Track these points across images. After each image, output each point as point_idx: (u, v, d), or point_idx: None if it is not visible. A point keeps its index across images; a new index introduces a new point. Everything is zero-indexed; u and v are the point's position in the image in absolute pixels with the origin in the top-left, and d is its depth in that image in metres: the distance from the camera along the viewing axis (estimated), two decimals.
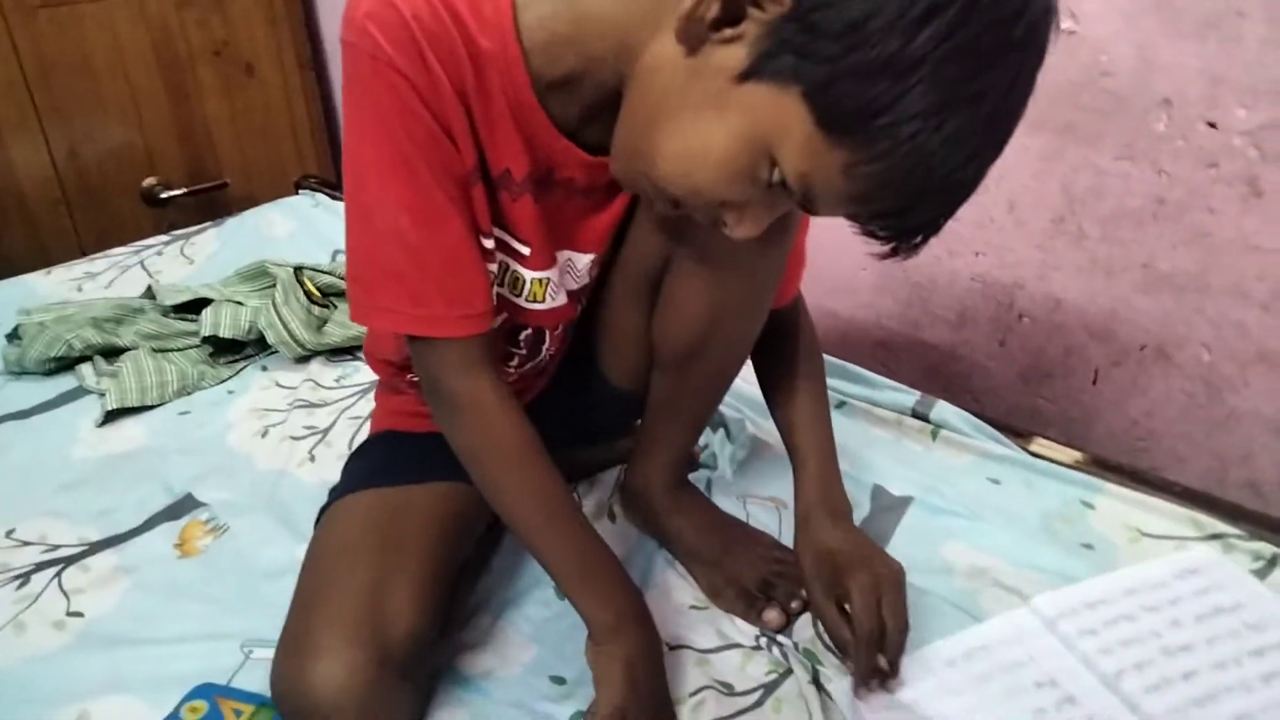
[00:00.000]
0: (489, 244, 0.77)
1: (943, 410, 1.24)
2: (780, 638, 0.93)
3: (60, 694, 0.87)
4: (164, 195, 2.08)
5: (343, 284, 1.52)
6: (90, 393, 1.34)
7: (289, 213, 1.89)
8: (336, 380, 1.40)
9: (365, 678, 0.75)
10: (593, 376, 1.01)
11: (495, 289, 0.82)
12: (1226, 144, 1.15)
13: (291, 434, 1.27)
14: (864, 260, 1.55)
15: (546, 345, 0.92)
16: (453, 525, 0.90)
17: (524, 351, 0.91)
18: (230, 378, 1.41)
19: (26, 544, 1.06)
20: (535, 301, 0.85)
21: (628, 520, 1.10)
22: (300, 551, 0.90)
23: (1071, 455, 1.20)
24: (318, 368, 1.43)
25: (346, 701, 0.74)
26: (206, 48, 2.10)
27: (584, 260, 0.86)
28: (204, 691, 0.86)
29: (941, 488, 1.13)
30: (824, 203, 0.64)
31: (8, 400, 1.33)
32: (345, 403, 1.34)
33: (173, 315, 1.50)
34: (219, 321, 1.43)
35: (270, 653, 0.80)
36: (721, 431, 1.24)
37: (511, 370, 0.93)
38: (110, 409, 1.28)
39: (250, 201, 2.00)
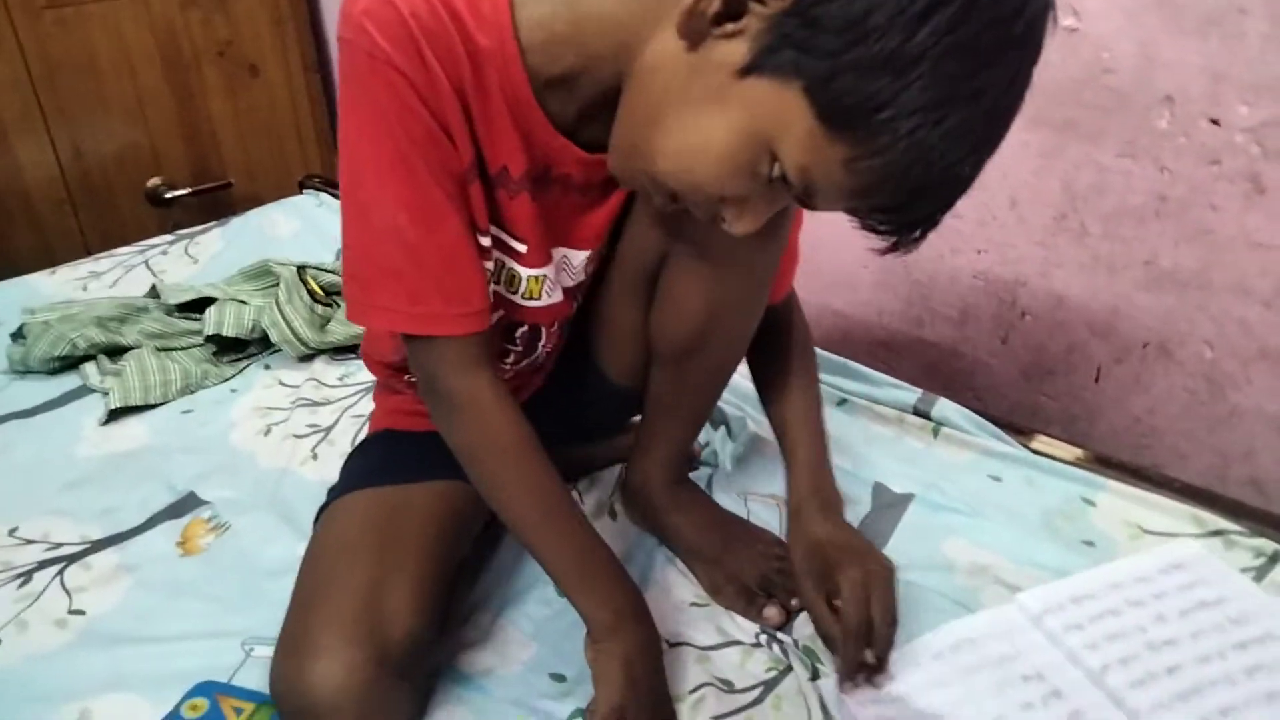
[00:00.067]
0: (486, 242, 0.77)
1: (944, 408, 1.24)
2: (780, 635, 0.94)
3: (62, 692, 0.88)
4: (169, 195, 2.08)
5: None
6: (94, 392, 1.35)
7: (293, 212, 1.90)
8: (339, 379, 1.40)
9: (364, 677, 0.75)
10: (590, 373, 1.02)
11: (492, 286, 0.82)
12: (1229, 141, 1.14)
13: (294, 432, 1.27)
14: (865, 258, 1.56)
15: (542, 342, 0.92)
16: (451, 524, 0.91)
17: (520, 349, 0.91)
18: (233, 376, 1.41)
19: (29, 542, 1.07)
20: (532, 299, 0.85)
21: (628, 518, 1.10)
22: (302, 550, 0.90)
23: (1072, 452, 1.19)
24: (320, 366, 1.43)
25: (345, 701, 0.74)
26: (211, 48, 2.11)
27: (580, 257, 0.86)
28: (205, 689, 0.86)
29: (942, 485, 1.13)
30: (824, 197, 0.64)
31: (12, 399, 1.33)
32: (348, 401, 1.34)
33: (176, 314, 1.51)
34: (222, 320, 1.43)
35: (271, 651, 0.80)
36: (722, 429, 1.24)
37: (508, 367, 0.93)
38: (114, 408, 1.29)
39: (254, 201, 2.00)
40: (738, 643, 0.93)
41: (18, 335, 1.43)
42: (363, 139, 0.70)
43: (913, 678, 0.86)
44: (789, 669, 0.89)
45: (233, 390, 1.38)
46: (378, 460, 0.98)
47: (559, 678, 0.89)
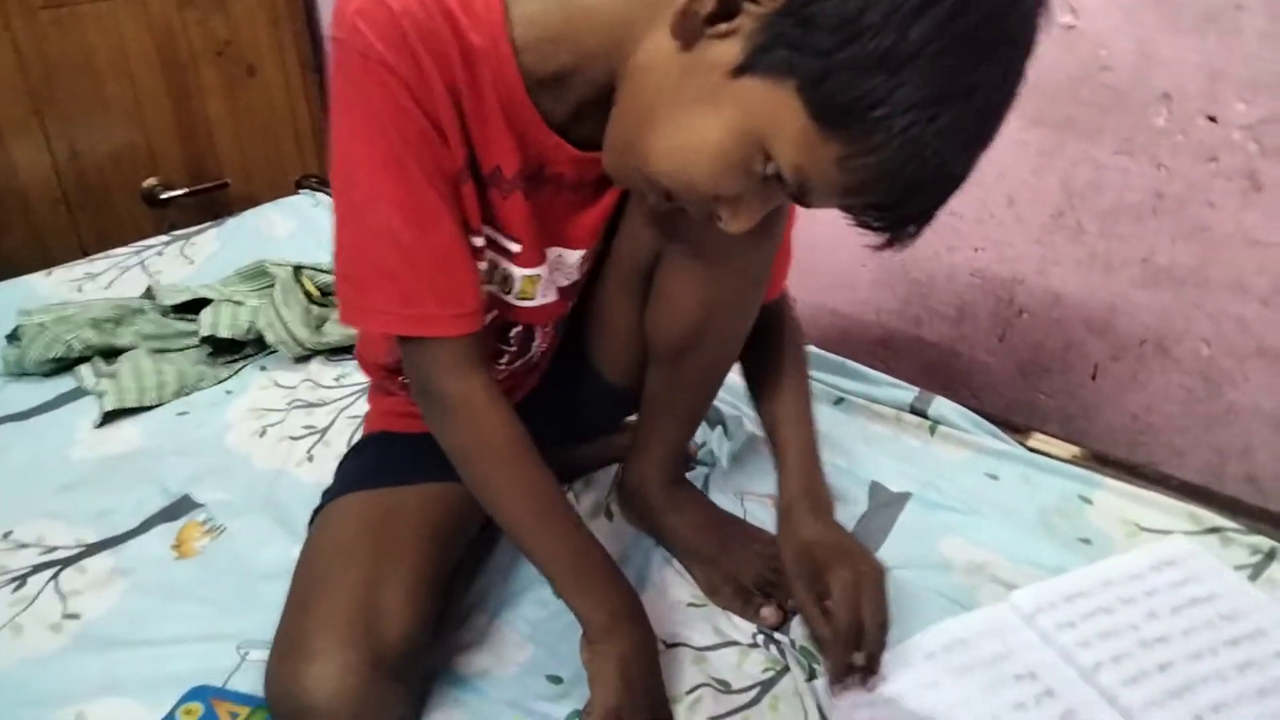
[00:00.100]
0: (479, 242, 0.77)
1: (940, 406, 1.24)
2: (777, 635, 0.94)
3: (57, 696, 0.87)
4: (165, 195, 2.08)
5: None
6: (89, 394, 1.34)
7: (289, 212, 1.89)
8: (335, 380, 1.40)
9: (359, 680, 0.75)
10: (585, 372, 1.01)
11: (485, 287, 0.82)
12: (1226, 138, 1.14)
13: (290, 434, 1.27)
14: (863, 256, 1.56)
15: (537, 342, 0.92)
16: (446, 526, 0.91)
17: (514, 349, 0.91)
18: (229, 378, 1.41)
19: (24, 546, 1.06)
20: (525, 299, 0.85)
21: (625, 518, 1.10)
22: (298, 552, 0.90)
23: (1069, 450, 1.19)
24: (316, 367, 1.43)
25: (340, 704, 0.74)
26: (208, 48, 2.10)
27: (574, 256, 0.86)
28: (200, 693, 0.86)
29: (939, 483, 1.13)
30: (818, 195, 0.64)
31: (6, 401, 1.33)
32: (344, 402, 1.34)
33: (172, 315, 1.50)
34: (218, 321, 1.43)
35: (267, 654, 0.80)
36: (719, 428, 1.24)
37: (502, 368, 0.93)
38: (108, 410, 1.28)
39: (251, 201, 2.00)
40: (735, 643, 0.93)
41: (13, 337, 1.43)
42: (356, 139, 0.69)
43: (905, 679, 0.85)
44: (786, 669, 0.89)
45: (228, 392, 1.38)
46: (372, 462, 0.97)
47: (555, 679, 0.89)
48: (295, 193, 2.02)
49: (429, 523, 0.89)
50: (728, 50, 0.61)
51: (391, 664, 0.78)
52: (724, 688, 0.88)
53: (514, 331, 0.89)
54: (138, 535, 1.08)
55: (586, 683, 0.82)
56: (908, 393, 1.27)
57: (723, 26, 0.61)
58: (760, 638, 0.93)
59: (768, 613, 0.94)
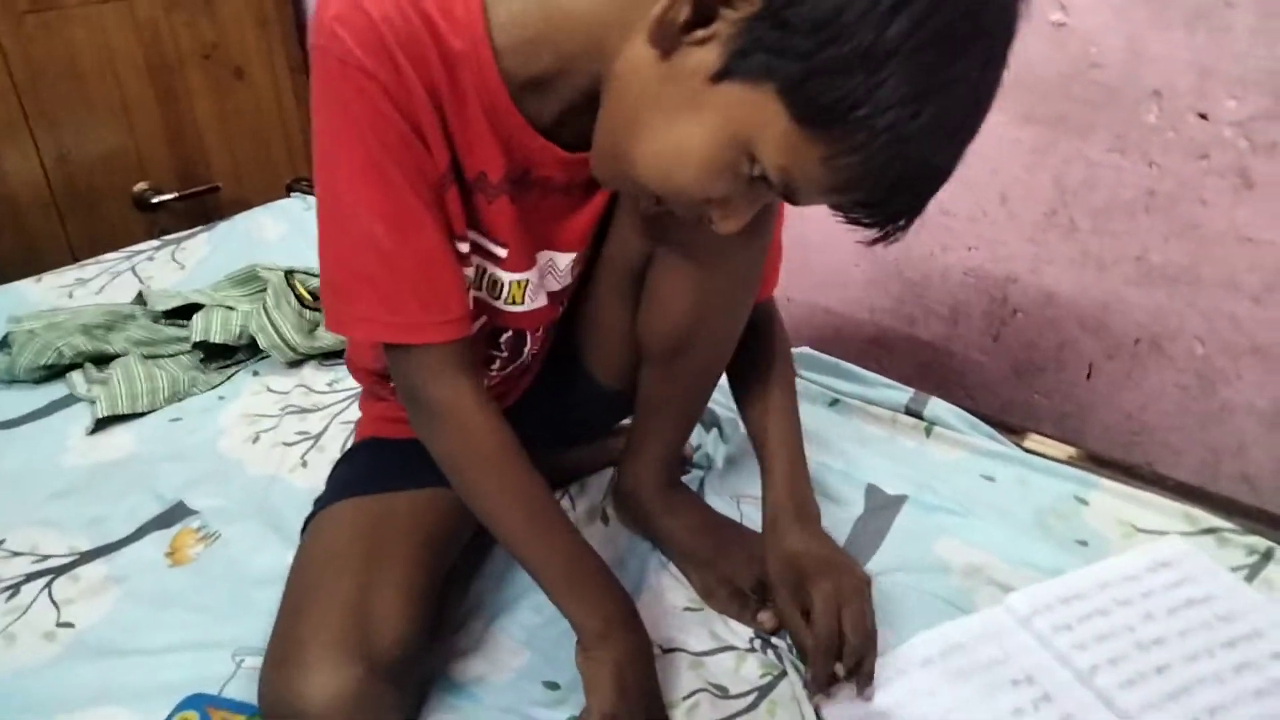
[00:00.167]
0: (464, 248, 0.76)
1: (936, 407, 1.24)
2: (774, 640, 0.93)
3: (50, 705, 0.87)
4: (155, 200, 2.07)
5: None
6: (81, 400, 1.33)
7: (280, 216, 1.89)
8: (328, 385, 1.39)
9: (353, 686, 0.74)
10: (578, 375, 1.01)
11: (473, 292, 0.82)
12: (1217, 135, 1.14)
13: (283, 440, 1.26)
14: (856, 255, 1.56)
15: (528, 347, 0.91)
16: (439, 531, 0.90)
17: (505, 354, 0.91)
18: (221, 383, 1.41)
19: (17, 554, 1.05)
20: (514, 304, 0.84)
21: (620, 522, 1.10)
22: (292, 559, 0.89)
23: (1065, 451, 1.19)
24: (309, 372, 1.43)
25: (334, 711, 0.74)
26: (196, 51, 2.09)
27: (565, 260, 0.86)
28: (195, 702, 0.86)
29: (935, 485, 1.13)
30: (805, 194, 0.64)
31: None
32: (337, 407, 1.33)
33: (163, 321, 1.50)
34: (210, 327, 1.42)
35: (262, 662, 0.80)
36: (714, 431, 1.24)
37: (494, 373, 0.93)
38: (101, 416, 1.28)
39: (241, 205, 1.99)
40: (732, 648, 0.93)
41: (3, 344, 1.42)
42: (336, 146, 0.69)
43: (901, 687, 0.85)
44: (783, 674, 0.89)
45: (221, 397, 1.37)
46: (364, 469, 0.97)
47: (552, 685, 0.88)
48: (286, 196, 2.01)
49: (422, 528, 0.89)
50: (706, 56, 0.61)
51: (386, 670, 0.77)
52: (721, 693, 0.88)
53: (504, 337, 0.89)
54: (131, 543, 1.08)
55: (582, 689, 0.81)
56: (903, 394, 1.27)
57: (700, 33, 0.61)
58: (757, 642, 0.93)
59: (765, 617, 0.94)
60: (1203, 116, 1.15)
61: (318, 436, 1.26)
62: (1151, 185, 1.22)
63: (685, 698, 0.87)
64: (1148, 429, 1.35)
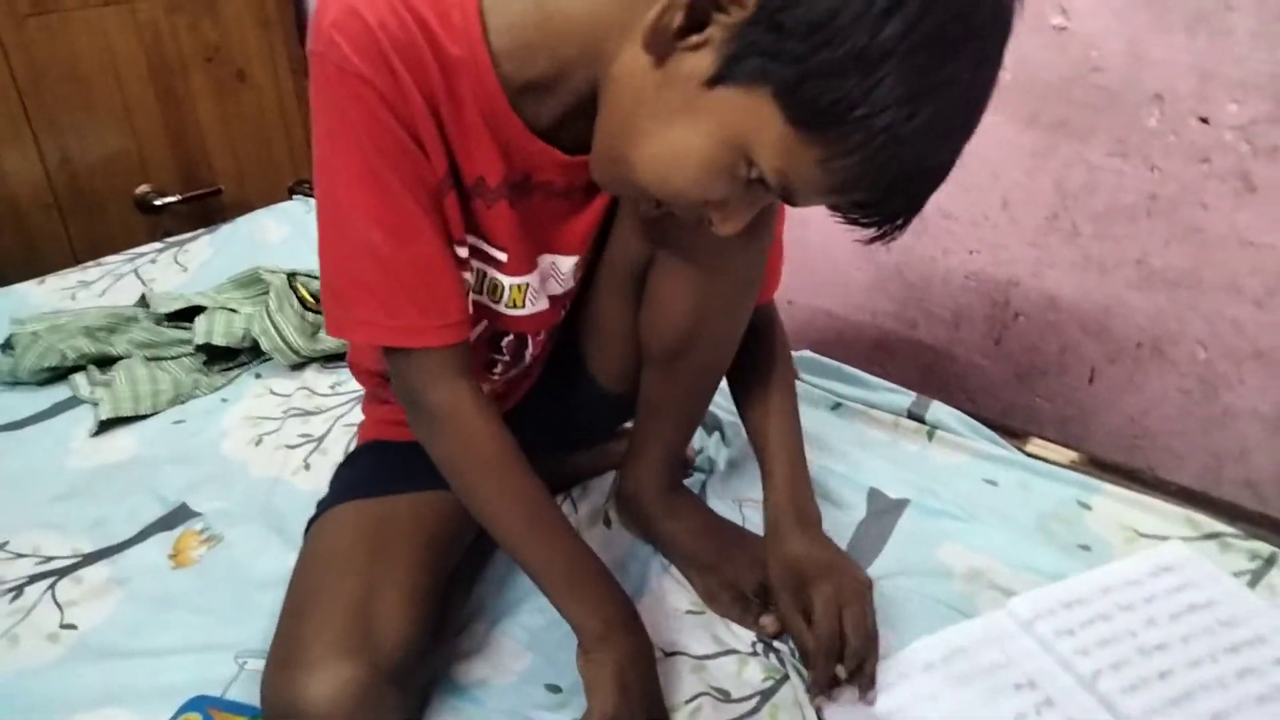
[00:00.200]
0: (463, 252, 0.77)
1: (938, 411, 1.24)
2: (777, 643, 0.93)
3: (53, 707, 0.87)
4: (157, 202, 2.07)
5: None
6: (84, 402, 1.34)
7: (283, 218, 1.89)
8: (331, 387, 1.40)
9: (355, 688, 0.74)
10: (579, 378, 1.01)
11: (474, 296, 0.82)
12: (1218, 139, 1.14)
13: (286, 442, 1.26)
14: (859, 260, 1.56)
15: (530, 351, 0.91)
16: (441, 533, 0.90)
17: (507, 358, 0.91)
18: (224, 386, 1.41)
19: (20, 556, 1.06)
20: (515, 308, 0.85)
21: (623, 525, 1.10)
22: (295, 561, 0.89)
23: (1067, 455, 1.19)
24: (312, 375, 1.43)
25: (336, 712, 0.74)
26: (198, 53, 2.09)
27: (568, 263, 0.86)
28: (198, 703, 0.86)
29: (938, 489, 1.13)
30: (803, 195, 0.65)
31: (1, 411, 1.32)
32: (340, 410, 1.33)
33: (166, 323, 1.50)
34: (212, 329, 1.43)
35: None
36: (716, 434, 1.24)
37: (496, 377, 0.93)
38: (104, 419, 1.28)
39: (244, 207, 1.99)
40: (734, 651, 0.93)
41: (6, 346, 1.42)
42: (335, 152, 0.69)
43: (904, 691, 0.85)
44: (785, 678, 0.89)
45: (223, 400, 1.37)
46: (366, 471, 0.97)
47: (554, 688, 0.88)
48: (288, 198, 2.02)
49: (424, 530, 0.89)
50: (701, 61, 0.61)
51: (388, 672, 0.77)
52: (723, 697, 0.88)
53: (506, 341, 0.89)
54: (134, 544, 1.08)
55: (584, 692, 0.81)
56: (905, 398, 1.27)
57: (694, 39, 0.61)
58: (759, 646, 0.93)
59: (767, 621, 0.94)
60: (1204, 120, 1.15)
61: (320, 439, 1.27)
62: (1153, 189, 1.22)
63: (687, 701, 0.87)
64: (1150, 433, 1.35)
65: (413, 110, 0.68)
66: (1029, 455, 1.19)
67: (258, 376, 1.43)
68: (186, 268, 1.73)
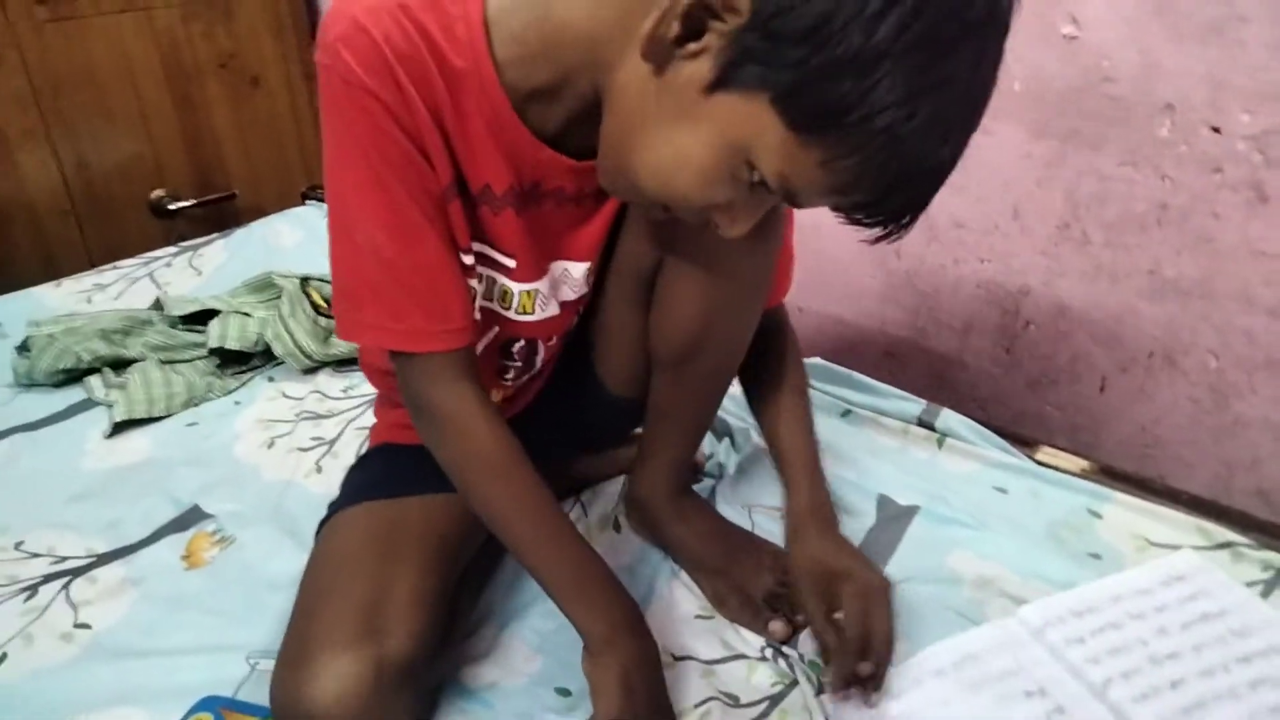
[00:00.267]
0: (468, 259, 0.78)
1: (948, 419, 1.24)
2: (786, 649, 0.93)
3: (67, 706, 0.88)
4: (172, 207, 2.09)
5: None
6: (98, 404, 1.35)
7: (296, 223, 1.91)
8: (343, 391, 1.40)
9: (363, 689, 0.75)
10: (589, 382, 1.02)
11: (484, 303, 0.83)
12: (1231, 149, 1.14)
13: (298, 445, 1.27)
14: (870, 268, 1.56)
15: (541, 356, 0.92)
16: (451, 536, 0.91)
17: (519, 364, 0.92)
18: (237, 389, 1.42)
19: (35, 556, 1.07)
20: (525, 313, 0.85)
21: (632, 529, 1.10)
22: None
23: (1078, 464, 1.19)
24: (324, 379, 1.43)
25: (343, 712, 0.74)
26: (213, 60, 2.11)
27: (580, 269, 0.87)
28: (209, 704, 0.86)
29: (948, 497, 1.13)
30: (806, 197, 0.65)
31: (17, 412, 1.34)
32: (352, 414, 1.34)
33: (180, 327, 1.51)
34: (226, 333, 1.44)
35: None
36: (726, 440, 1.24)
37: (508, 383, 0.94)
38: (118, 420, 1.29)
39: (258, 212, 2.01)
40: (743, 656, 0.93)
41: (23, 348, 1.43)
42: (342, 162, 0.71)
43: (915, 697, 0.85)
44: (794, 683, 0.89)
45: (236, 403, 1.38)
46: (377, 474, 0.98)
47: (564, 692, 0.89)
48: (302, 203, 2.03)
49: (434, 533, 0.89)
50: (699, 69, 0.62)
51: (396, 673, 0.77)
52: (733, 701, 0.88)
53: (517, 347, 0.90)
54: (148, 545, 1.08)
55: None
56: (915, 405, 1.27)
57: (691, 46, 0.62)
58: (769, 651, 0.93)
59: (776, 627, 0.94)
60: (1216, 130, 1.15)
61: (332, 442, 1.27)
62: (1164, 199, 1.22)
63: (696, 706, 0.87)
64: (1161, 442, 1.34)
65: (417, 121, 0.69)
66: (1039, 463, 1.19)
67: (270, 380, 1.44)
68: (201, 272, 1.74)
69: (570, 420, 1.03)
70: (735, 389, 1.05)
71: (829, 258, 1.60)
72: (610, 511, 1.13)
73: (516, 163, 0.76)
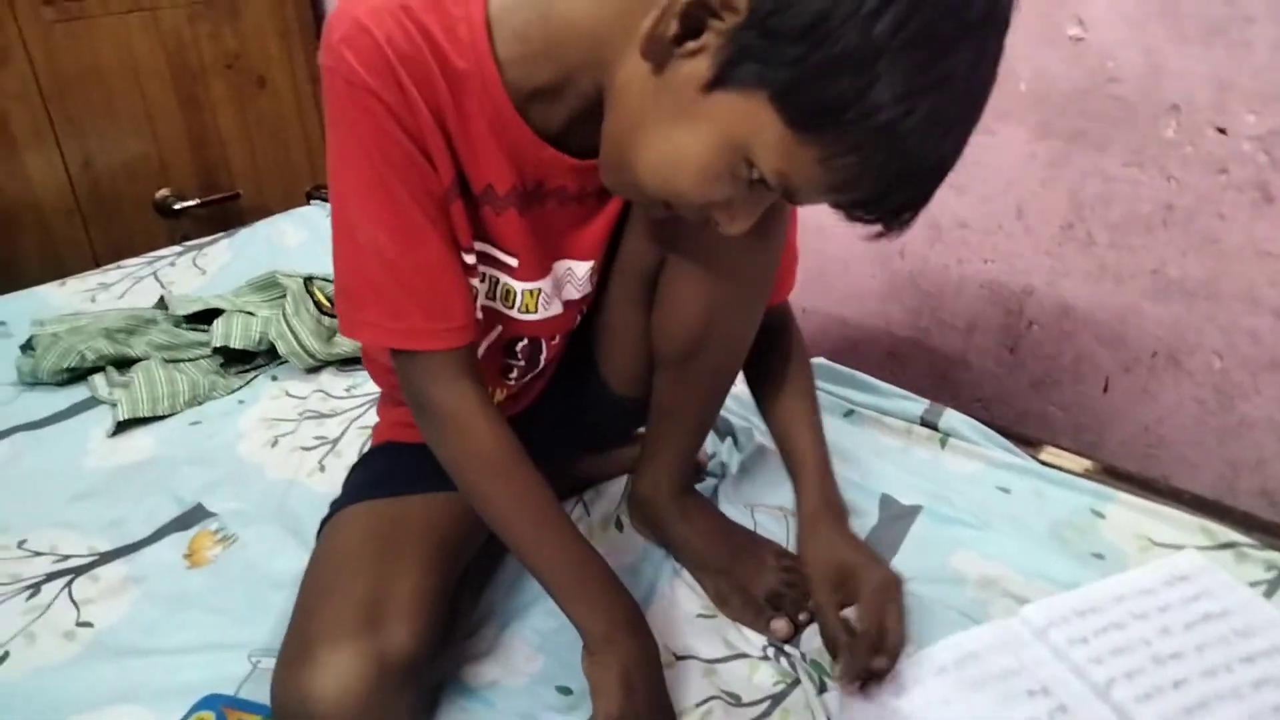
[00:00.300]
0: (470, 259, 0.78)
1: (951, 418, 1.24)
2: (788, 648, 0.93)
3: (69, 704, 0.88)
4: (177, 206, 2.09)
5: None
6: (102, 403, 1.35)
7: (300, 223, 1.91)
8: (346, 390, 1.40)
9: (364, 687, 0.75)
10: (591, 381, 1.02)
11: (487, 302, 0.83)
12: (1236, 149, 1.14)
13: (302, 444, 1.27)
14: (873, 268, 1.56)
15: (544, 355, 0.92)
16: (452, 534, 0.91)
17: (522, 363, 0.92)
18: (241, 388, 1.42)
19: (38, 554, 1.07)
20: (528, 312, 0.86)
21: (635, 529, 1.10)
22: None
23: (1081, 464, 1.19)
24: (328, 378, 1.44)
25: (343, 710, 0.74)
26: (219, 60, 2.12)
27: (584, 268, 0.87)
28: (211, 702, 0.86)
29: (951, 496, 1.13)
30: (805, 194, 0.65)
31: (21, 411, 1.34)
32: (355, 413, 1.34)
33: (184, 326, 1.51)
34: (230, 332, 1.44)
35: None
36: (729, 440, 1.24)
37: (512, 382, 0.94)
38: (122, 419, 1.29)
39: (262, 212, 2.01)
40: (745, 655, 0.93)
41: (27, 347, 1.44)
42: (345, 162, 0.71)
43: (917, 694, 0.85)
44: (796, 682, 0.89)
45: (240, 402, 1.38)
46: (380, 473, 0.98)
47: (565, 690, 0.89)
48: (306, 203, 2.04)
49: (435, 531, 0.89)
50: (698, 68, 0.62)
51: (396, 671, 0.77)
52: (734, 700, 0.88)
53: (520, 346, 0.90)
54: (150, 544, 1.09)
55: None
56: (918, 405, 1.27)
57: (690, 45, 0.62)
58: (770, 650, 0.93)
59: (778, 625, 0.94)
60: (1221, 131, 1.15)
61: (335, 441, 1.27)
62: (1169, 199, 1.21)
63: (698, 705, 0.87)
64: (1165, 443, 1.34)
65: (419, 122, 0.69)
66: (1043, 463, 1.18)
67: (274, 379, 1.44)
68: (205, 271, 1.75)
69: (573, 419, 1.03)
70: (738, 388, 1.05)
71: (832, 258, 1.60)
72: (613, 511, 1.13)
73: (519, 162, 0.76)
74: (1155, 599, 0.94)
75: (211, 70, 2.11)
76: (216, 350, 1.45)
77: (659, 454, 1.03)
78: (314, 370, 1.45)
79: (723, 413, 1.19)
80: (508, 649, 0.94)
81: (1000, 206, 1.37)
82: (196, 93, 2.10)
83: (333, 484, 1.14)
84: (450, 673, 0.90)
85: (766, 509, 1.12)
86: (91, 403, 1.36)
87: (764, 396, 1.02)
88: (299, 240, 1.85)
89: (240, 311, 1.48)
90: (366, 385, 1.40)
